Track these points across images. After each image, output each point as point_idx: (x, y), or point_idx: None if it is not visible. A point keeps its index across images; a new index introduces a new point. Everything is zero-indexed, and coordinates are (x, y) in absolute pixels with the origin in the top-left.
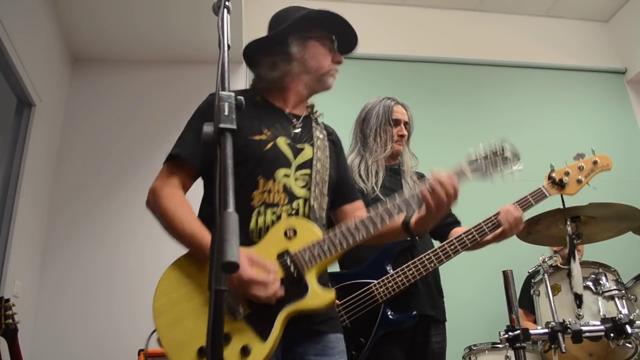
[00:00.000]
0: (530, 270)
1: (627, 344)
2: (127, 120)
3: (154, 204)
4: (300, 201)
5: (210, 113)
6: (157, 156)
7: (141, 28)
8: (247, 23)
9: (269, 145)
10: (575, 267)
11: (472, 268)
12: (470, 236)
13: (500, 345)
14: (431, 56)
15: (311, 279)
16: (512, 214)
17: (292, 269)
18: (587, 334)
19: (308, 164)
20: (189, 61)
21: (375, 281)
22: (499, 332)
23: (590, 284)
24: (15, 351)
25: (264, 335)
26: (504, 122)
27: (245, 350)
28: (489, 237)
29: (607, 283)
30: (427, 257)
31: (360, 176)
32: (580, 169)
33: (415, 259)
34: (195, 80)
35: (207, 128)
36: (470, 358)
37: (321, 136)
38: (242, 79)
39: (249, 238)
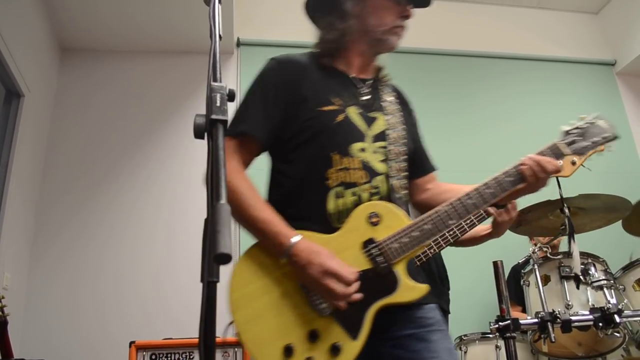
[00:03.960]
0: (520, 261)
1: (615, 334)
2: (117, 112)
3: None
4: (381, 178)
5: (282, 84)
6: (148, 148)
7: (132, 18)
8: (238, 13)
9: (340, 117)
10: (575, 248)
11: (463, 259)
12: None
13: (490, 335)
14: (421, 47)
15: (401, 270)
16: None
17: (379, 260)
18: (576, 324)
19: (382, 135)
20: (180, 52)
21: None
22: (489, 322)
23: (579, 274)
24: (5, 343)
25: (353, 332)
26: (494, 113)
27: (335, 349)
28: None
29: (596, 273)
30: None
31: None
32: None
33: None
34: (186, 71)
35: (199, 119)
36: (461, 348)
37: (391, 100)
38: (233, 69)
39: (328, 222)
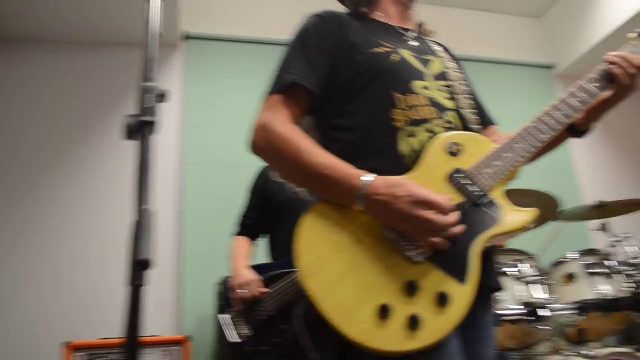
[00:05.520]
0: None
1: (545, 326)
2: (54, 105)
3: (267, 141)
4: (453, 114)
5: (325, 33)
6: (86, 142)
7: (68, 7)
8: (187, 5)
9: (396, 57)
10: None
11: None
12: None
13: None
14: None
15: (499, 196)
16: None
17: (473, 189)
18: (507, 318)
19: (442, 75)
20: (120, 44)
21: None
22: None
23: (510, 270)
24: None
25: (459, 275)
26: None
27: (443, 298)
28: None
29: (527, 269)
30: None
31: None
32: None
33: None
34: (126, 64)
35: (128, 120)
36: None
37: (441, 49)
38: (178, 63)
39: (403, 166)
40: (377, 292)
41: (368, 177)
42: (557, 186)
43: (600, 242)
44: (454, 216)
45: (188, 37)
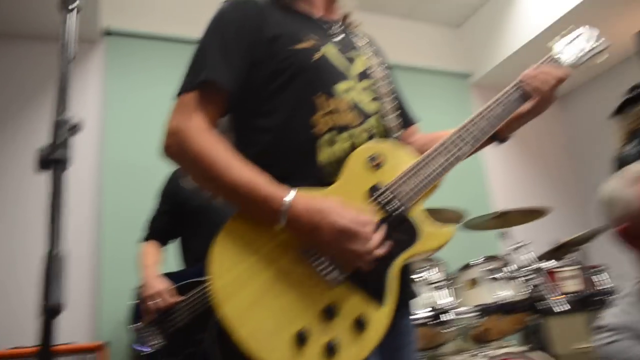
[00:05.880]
0: None
1: (450, 328)
2: None
3: (181, 149)
4: (375, 118)
5: (243, 24)
6: None
7: None
8: None
9: (318, 55)
10: None
11: None
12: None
13: None
14: None
15: (418, 214)
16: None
17: (391, 207)
18: (415, 322)
19: (365, 74)
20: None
21: None
22: None
23: (419, 275)
24: None
25: (378, 296)
26: None
27: (360, 324)
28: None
29: (435, 275)
30: None
31: None
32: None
33: None
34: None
35: (41, 152)
36: None
37: (365, 43)
38: (98, 60)
39: (322, 175)
40: (294, 318)
41: (289, 197)
42: (468, 194)
43: (504, 248)
44: (377, 238)
45: (108, 33)
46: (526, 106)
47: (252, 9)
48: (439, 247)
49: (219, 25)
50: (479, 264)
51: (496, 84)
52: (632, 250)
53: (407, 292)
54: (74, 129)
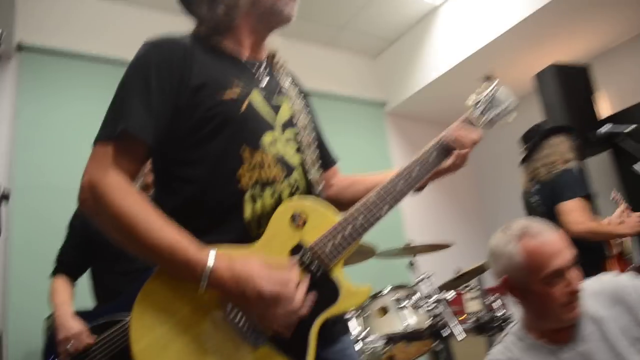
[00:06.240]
0: None
1: (359, 357)
2: None
3: (98, 206)
4: (299, 172)
5: (167, 68)
6: None
7: None
8: (21, 12)
9: (244, 105)
10: None
11: None
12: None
13: None
14: None
15: (338, 274)
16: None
17: (314, 267)
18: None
19: (290, 122)
20: None
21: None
22: None
23: None
24: None
25: (299, 358)
26: None
27: None
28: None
29: None
30: None
31: None
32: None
33: None
34: None
35: None
36: None
37: (290, 85)
38: (10, 75)
39: (246, 232)
40: None
41: (210, 261)
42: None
43: (413, 277)
44: (300, 297)
45: (21, 48)
46: (444, 164)
47: (177, 52)
48: (358, 305)
49: (141, 69)
50: (387, 292)
51: (409, 113)
52: (513, 298)
53: (334, 330)
54: (4, 196)
